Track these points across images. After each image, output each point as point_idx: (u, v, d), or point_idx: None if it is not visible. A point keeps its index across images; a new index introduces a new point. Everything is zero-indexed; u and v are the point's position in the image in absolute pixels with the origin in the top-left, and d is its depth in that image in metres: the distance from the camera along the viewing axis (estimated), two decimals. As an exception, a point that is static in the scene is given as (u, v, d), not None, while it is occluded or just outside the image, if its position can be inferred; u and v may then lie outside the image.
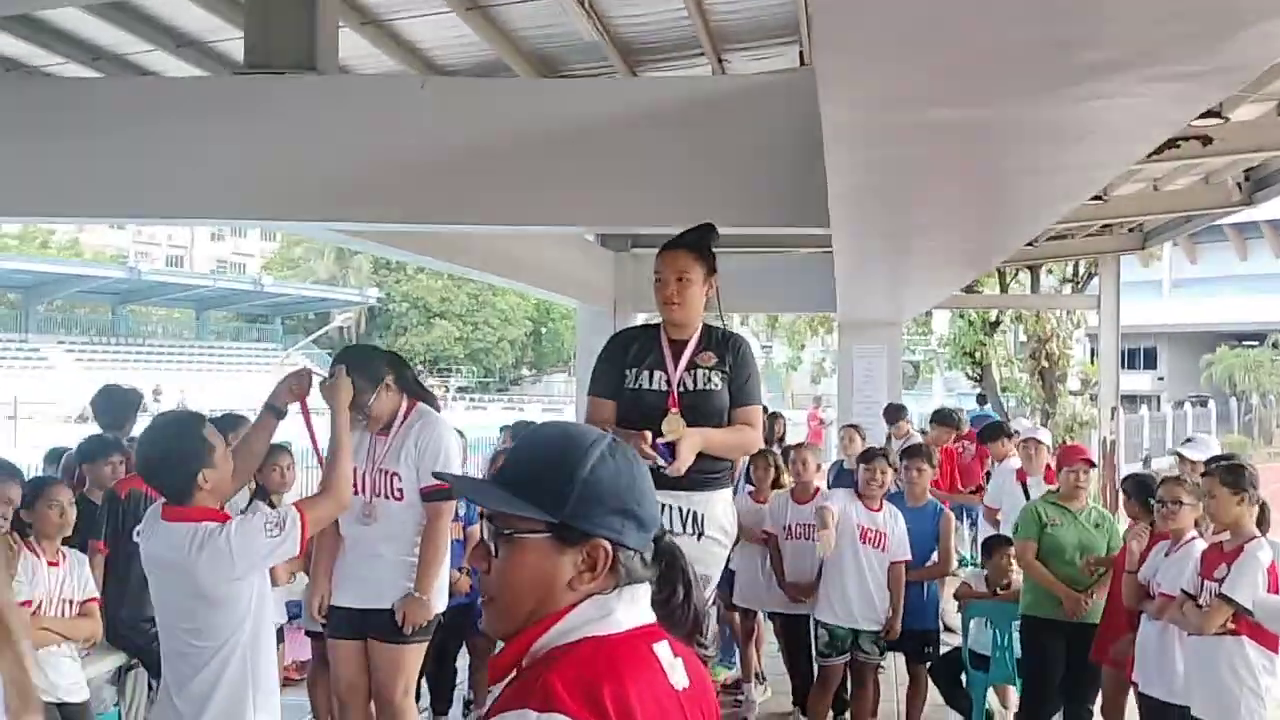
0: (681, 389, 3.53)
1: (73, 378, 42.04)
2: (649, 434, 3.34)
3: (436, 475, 3.88)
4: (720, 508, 3.61)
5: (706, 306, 3.67)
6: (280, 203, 5.69)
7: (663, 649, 1.50)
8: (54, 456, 5.97)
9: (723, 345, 3.64)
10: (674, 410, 3.48)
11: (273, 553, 3.21)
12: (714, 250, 3.69)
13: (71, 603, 4.21)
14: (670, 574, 1.57)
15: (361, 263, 54.79)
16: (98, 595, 4.35)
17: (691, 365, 3.57)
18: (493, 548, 1.52)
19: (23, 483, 4.19)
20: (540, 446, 1.57)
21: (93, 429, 5.75)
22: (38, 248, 53.00)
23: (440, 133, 5.51)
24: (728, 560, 6.44)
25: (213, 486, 3.23)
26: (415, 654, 4.19)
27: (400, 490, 4.04)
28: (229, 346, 55.25)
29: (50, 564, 4.15)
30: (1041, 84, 2.70)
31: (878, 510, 5.60)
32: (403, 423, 4.11)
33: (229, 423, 6.18)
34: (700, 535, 3.53)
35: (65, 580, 4.20)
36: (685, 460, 3.30)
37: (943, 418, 9.64)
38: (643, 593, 1.53)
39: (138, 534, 3.34)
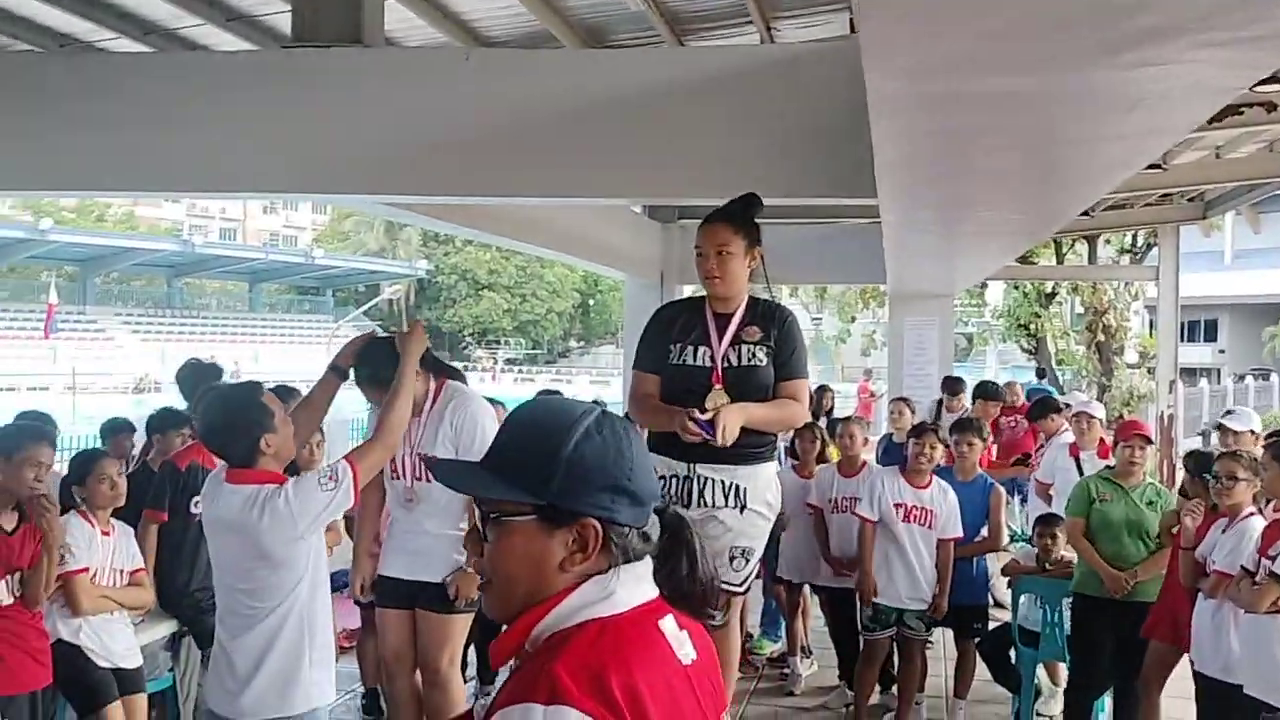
0: (726, 364, 3.50)
1: (130, 350, 42.92)
2: (695, 410, 3.33)
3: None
4: (764, 481, 3.59)
5: (752, 278, 3.63)
6: (328, 177, 5.73)
7: (668, 624, 1.45)
8: (109, 428, 6.04)
9: (768, 319, 3.60)
10: (718, 386, 3.46)
11: (329, 505, 3.24)
12: (758, 221, 3.65)
13: (122, 572, 4.33)
14: (675, 547, 1.51)
15: (410, 235, 55.18)
16: (144, 566, 4.47)
17: (736, 340, 3.53)
18: (483, 532, 1.48)
19: (54, 446, 4.25)
20: (523, 426, 1.52)
21: (154, 400, 5.84)
22: (94, 221, 53.93)
23: (486, 105, 5.51)
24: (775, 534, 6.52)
25: (275, 450, 3.29)
26: (462, 624, 4.24)
27: None
28: (281, 318, 55.95)
29: (103, 534, 4.27)
30: (1092, 51, 2.62)
31: (924, 487, 5.54)
32: (434, 404, 4.11)
33: (281, 395, 6.26)
34: (743, 508, 3.51)
35: (116, 550, 4.31)
36: (730, 434, 3.29)
37: (987, 392, 9.54)
38: (644, 569, 1.47)
39: (196, 505, 3.40)
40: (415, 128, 5.53)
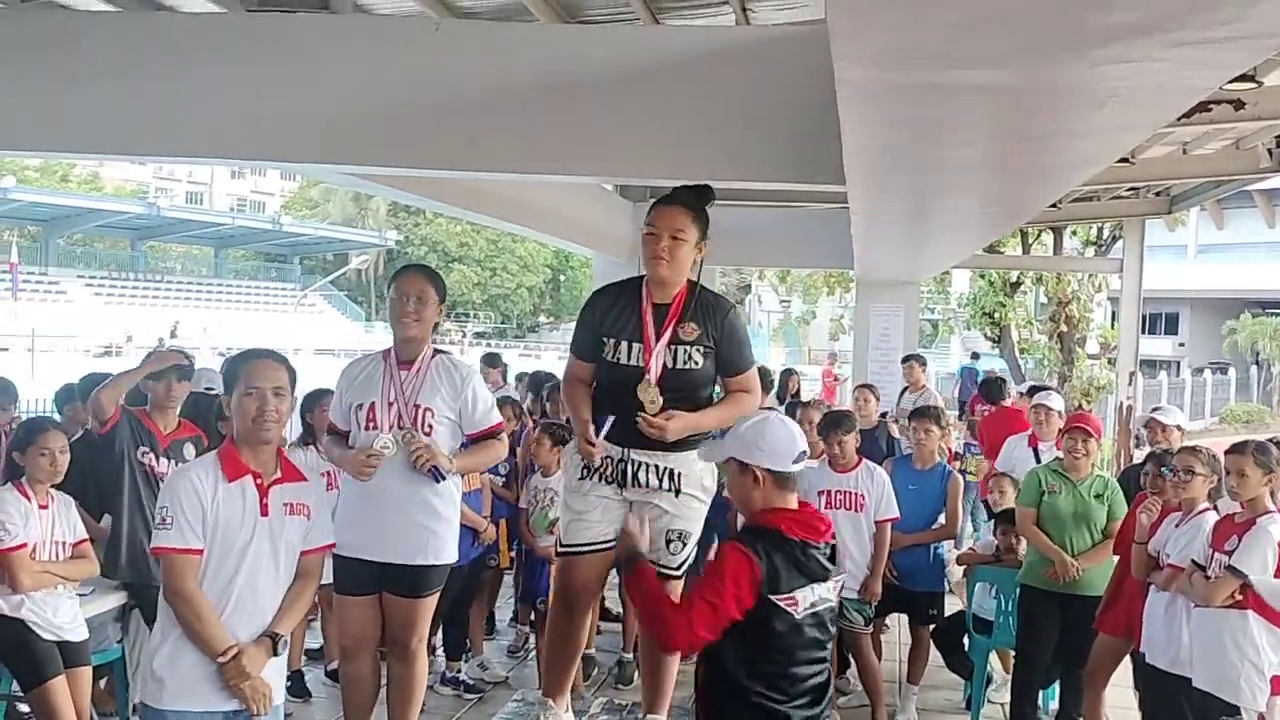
0: (660, 367, 3.43)
1: (92, 312, 42.28)
2: (591, 429, 3.39)
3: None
4: (699, 467, 3.53)
5: (693, 270, 3.56)
6: (292, 144, 5.64)
7: None
8: (64, 396, 5.86)
9: (707, 314, 3.48)
10: (648, 377, 3.42)
11: None
12: (709, 213, 3.59)
13: (63, 544, 4.23)
14: None
15: (379, 205, 54.60)
16: (87, 537, 4.37)
17: (675, 340, 3.44)
18: None
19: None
20: None
21: (120, 365, 5.67)
22: (58, 181, 52.97)
23: (455, 77, 5.43)
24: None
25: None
26: (430, 606, 4.04)
27: (431, 425, 3.86)
28: (247, 285, 55.32)
29: (41, 507, 4.17)
30: (1061, 46, 2.60)
31: (848, 471, 5.53)
32: (430, 359, 3.99)
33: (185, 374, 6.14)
34: (678, 492, 3.48)
35: (55, 523, 4.22)
36: (672, 436, 3.32)
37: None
38: None
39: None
40: (381, 98, 5.45)
